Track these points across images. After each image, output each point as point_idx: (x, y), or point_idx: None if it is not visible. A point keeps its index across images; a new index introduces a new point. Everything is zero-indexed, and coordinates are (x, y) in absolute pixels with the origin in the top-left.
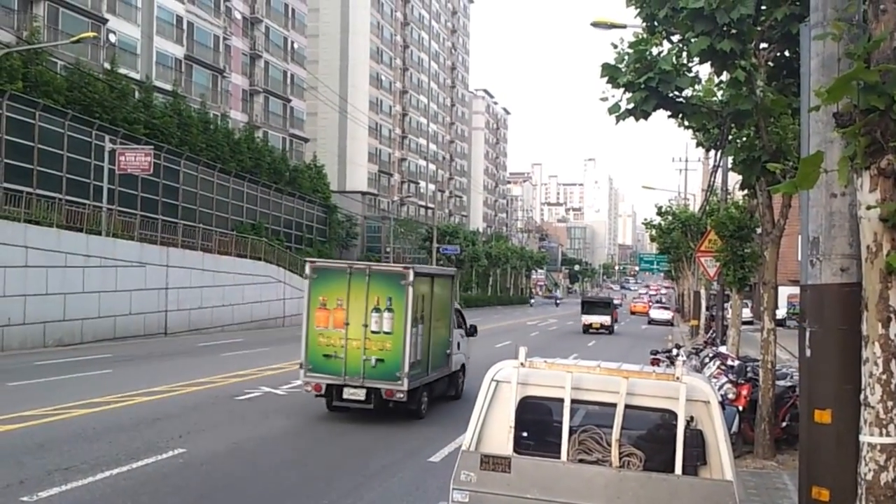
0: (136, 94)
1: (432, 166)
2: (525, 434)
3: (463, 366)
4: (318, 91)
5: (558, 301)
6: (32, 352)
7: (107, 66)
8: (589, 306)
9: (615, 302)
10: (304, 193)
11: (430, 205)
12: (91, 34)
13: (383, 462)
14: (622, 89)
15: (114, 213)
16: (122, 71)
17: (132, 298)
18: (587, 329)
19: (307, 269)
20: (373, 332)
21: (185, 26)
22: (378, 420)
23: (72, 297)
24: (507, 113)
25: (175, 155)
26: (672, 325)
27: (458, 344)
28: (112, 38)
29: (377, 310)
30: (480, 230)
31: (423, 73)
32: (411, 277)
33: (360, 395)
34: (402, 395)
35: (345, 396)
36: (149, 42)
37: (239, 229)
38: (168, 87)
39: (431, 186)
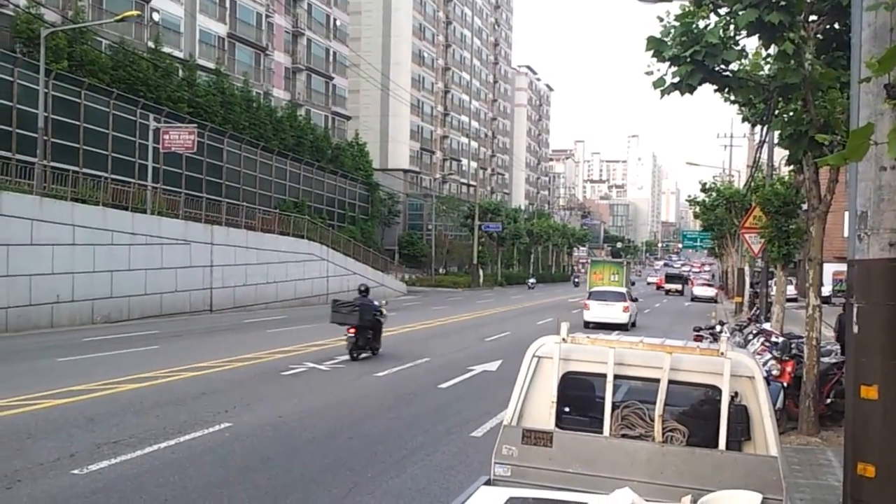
0: (180, 72)
1: (474, 143)
2: (567, 409)
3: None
4: (360, 68)
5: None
6: (81, 328)
7: (151, 44)
8: (669, 278)
9: (688, 276)
10: (346, 171)
11: (471, 182)
12: (135, 13)
13: (426, 436)
14: (668, 63)
15: (158, 191)
16: (166, 49)
17: (178, 276)
18: (668, 291)
19: (590, 260)
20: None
21: (227, 4)
22: (422, 396)
23: (118, 275)
24: (550, 89)
25: (218, 133)
26: (715, 301)
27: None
28: (156, 16)
29: (613, 275)
30: (522, 207)
31: (465, 49)
32: (624, 262)
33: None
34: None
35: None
36: (192, 20)
37: (282, 207)
38: (211, 65)
39: (473, 164)
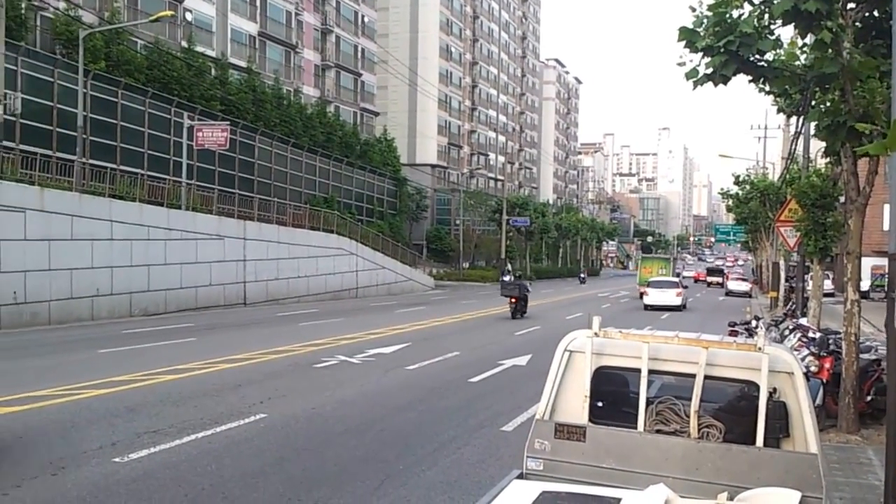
0: (213, 71)
1: (502, 138)
2: (600, 404)
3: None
4: (388, 64)
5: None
6: (120, 320)
7: (184, 44)
8: (710, 271)
9: (724, 269)
10: (374, 167)
11: (499, 177)
12: (168, 13)
13: (457, 430)
14: (700, 53)
15: (192, 187)
16: (199, 49)
17: (212, 270)
18: (710, 284)
19: (640, 256)
20: (660, 274)
21: (258, 3)
22: (452, 389)
23: (155, 269)
24: (579, 82)
25: (250, 130)
26: (750, 296)
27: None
28: (188, 16)
29: (661, 269)
30: (551, 202)
31: (493, 43)
32: (671, 258)
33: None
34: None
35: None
36: (223, 20)
37: (312, 202)
38: (243, 63)
39: (501, 158)
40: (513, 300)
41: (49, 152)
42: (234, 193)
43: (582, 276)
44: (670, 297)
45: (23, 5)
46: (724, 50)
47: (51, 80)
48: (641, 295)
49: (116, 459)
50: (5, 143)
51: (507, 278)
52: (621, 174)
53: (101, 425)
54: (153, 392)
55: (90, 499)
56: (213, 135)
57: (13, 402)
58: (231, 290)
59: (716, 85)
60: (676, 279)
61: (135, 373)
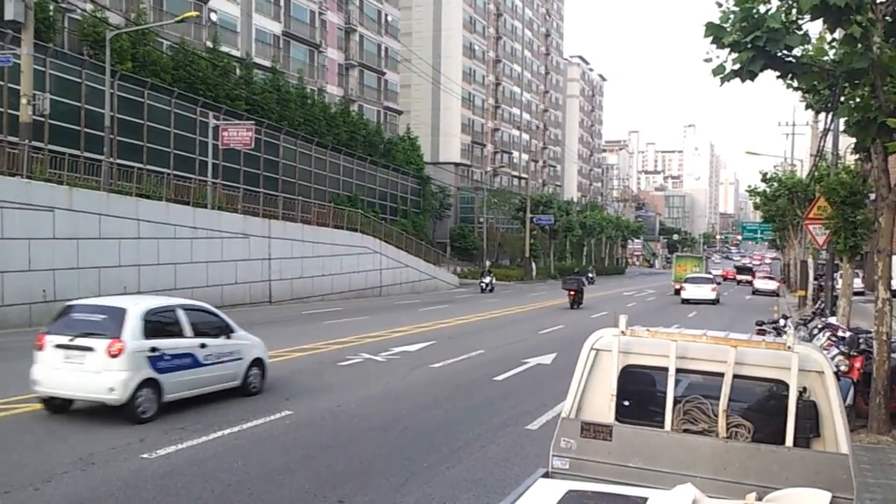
0: (237, 70)
1: (526, 136)
2: (626, 403)
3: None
4: (411, 63)
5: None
6: None
7: (209, 44)
8: (740, 269)
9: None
10: (398, 165)
11: (523, 175)
12: (194, 14)
13: (481, 428)
14: (727, 49)
15: (218, 186)
16: (224, 49)
17: (237, 268)
18: (739, 282)
19: (674, 256)
20: (695, 270)
21: (282, 3)
22: (476, 388)
23: (181, 267)
24: (603, 79)
25: (275, 130)
26: (777, 295)
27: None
28: (213, 16)
29: (695, 267)
30: (575, 200)
31: (516, 40)
32: (703, 257)
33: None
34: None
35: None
36: (248, 20)
37: (336, 201)
38: (267, 63)
39: (525, 156)
40: (572, 293)
41: (77, 152)
42: (259, 192)
43: (590, 275)
44: (706, 291)
45: (51, 7)
46: (752, 45)
47: (78, 80)
48: (677, 291)
49: (144, 455)
50: (35, 143)
51: (487, 279)
52: (646, 172)
53: (128, 423)
54: None
55: (119, 494)
56: (239, 134)
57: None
58: (256, 289)
59: (743, 81)
60: (711, 276)
61: None
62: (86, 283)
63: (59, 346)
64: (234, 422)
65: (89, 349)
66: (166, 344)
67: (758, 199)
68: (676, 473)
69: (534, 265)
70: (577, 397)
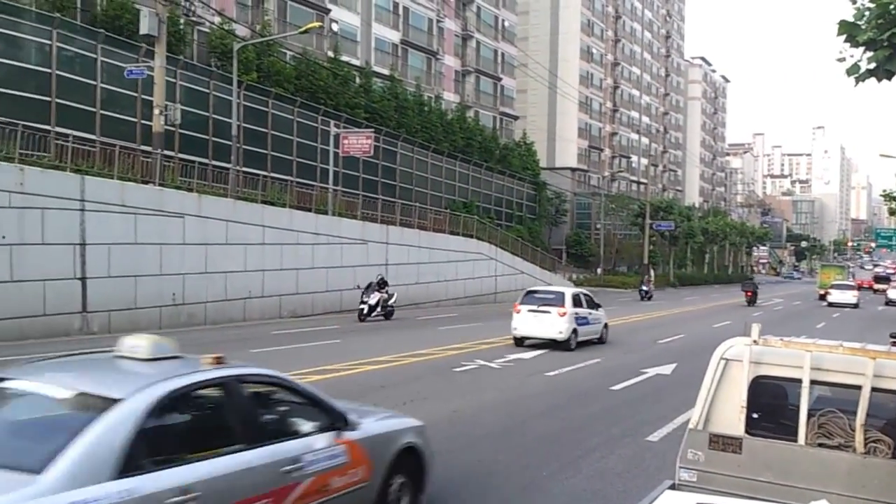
0: (357, 79)
1: (645, 140)
2: (756, 415)
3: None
4: (527, 68)
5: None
6: (269, 322)
7: (330, 53)
8: (878, 279)
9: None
10: (513, 171)
11: (642, 180)
12: (317, 24)
13: (600, 438)
14: (862, 48)
15: (338, 193)
16: (344, 58)
17: (356, 274)
18: (875, 291)
19: (819, 265)
20: (838, 278)
21: (401, 11)
22: (594, 397)
23: (303, 272)
24: (726, 81)
25: (392, 137)
26: None
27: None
28: (334, 26)
29: (837, 275)
30: (696, 205)
31: (635, 43)
32: (846, 266)
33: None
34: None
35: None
36: (368, 29)
37: (452, 207)
38: (385, 71)
39: (644, 161)
40: (748, 293)
41: (206, 160)
42: (377, 199)
43: (644, 288)
44: (849, 296)
45: (181, 21)
46: (889, 44)
47: (206, 91)
48: (822, 296)
49: None
50: (166, 152)
51: (646, 287)
52: (772, 176)
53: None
54: None
55: None
56: (358, 142)
57: None
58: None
59: (879, 80)
60: (853, 283)
61: (285, 372)
62: (213, 287)
63: (530, 311)
64: None
65: (547, 312)
66: (580, 311)
67: (893, 204)
68: (810, 489)
69: (652, 272)
70: (705, 408)
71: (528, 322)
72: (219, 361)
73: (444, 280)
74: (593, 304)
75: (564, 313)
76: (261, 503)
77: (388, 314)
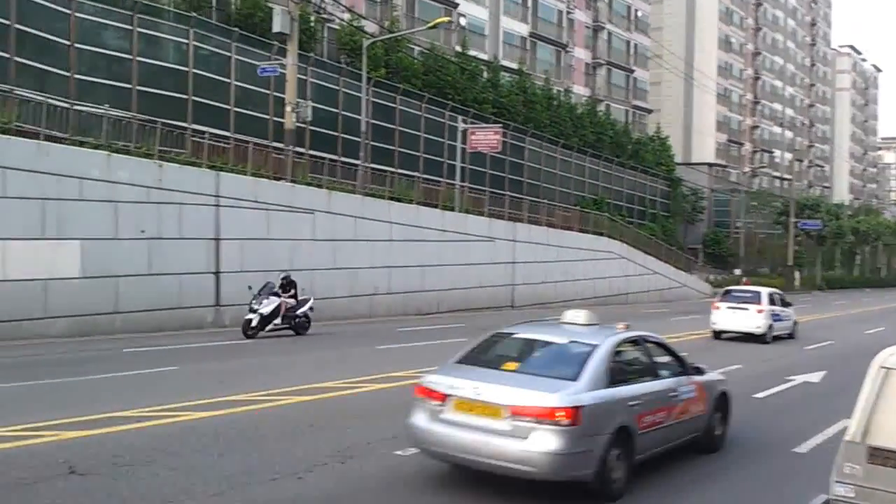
0: (485, 74)
1: (788, 133)
2: None
3: None
4: (661, 59)
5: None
6: (395, 319)
7: (457, 48)
8: None
9: None
10: (646, 166)
11: (786, 175)
12: (445, 19)
13: (745, 448)
14: None
15: (465, 190)
16: (472, 52)
17: (482, 272)
18: None
19: None
20: None
21: (529, 4)
22: (736, 405)
23: (429, 270)
24: (878, 70)
25: (520, 132)
26: None
27: None
28: (462, 21)
29: None
30: (846, 202)
31: (777, 31)
32: None
33: None
34: None
35: None
36: (495, 22)
37: (581, 204)
38: (514, 65)
39: (788, 155)
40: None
41: (335, 157)
42: (504, 195)
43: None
44: None
45: (312, 19)
46: None
47: (336, 88)
48: None
49: (398, 452)
50: (297, 148)
51: None
52: None
53: (383, 417)
54: None
55: (376, 488)
56: (486, 137)
57: (303, 392)
58: (500, 293)
59: None
60: None
61: (409, 370)
62: (341, 282)
63: (729, 308)
64: None
65: (745, 309)
66: (774, 308)
67: None
68: None
69: (797, 274)
70: (863, 420)
71: (726, 317)
72: (627, 327)
73: (572, 279)
74: (785, 303)
75: (762, 310)
76: (662, 413)
77: (297, 326)
